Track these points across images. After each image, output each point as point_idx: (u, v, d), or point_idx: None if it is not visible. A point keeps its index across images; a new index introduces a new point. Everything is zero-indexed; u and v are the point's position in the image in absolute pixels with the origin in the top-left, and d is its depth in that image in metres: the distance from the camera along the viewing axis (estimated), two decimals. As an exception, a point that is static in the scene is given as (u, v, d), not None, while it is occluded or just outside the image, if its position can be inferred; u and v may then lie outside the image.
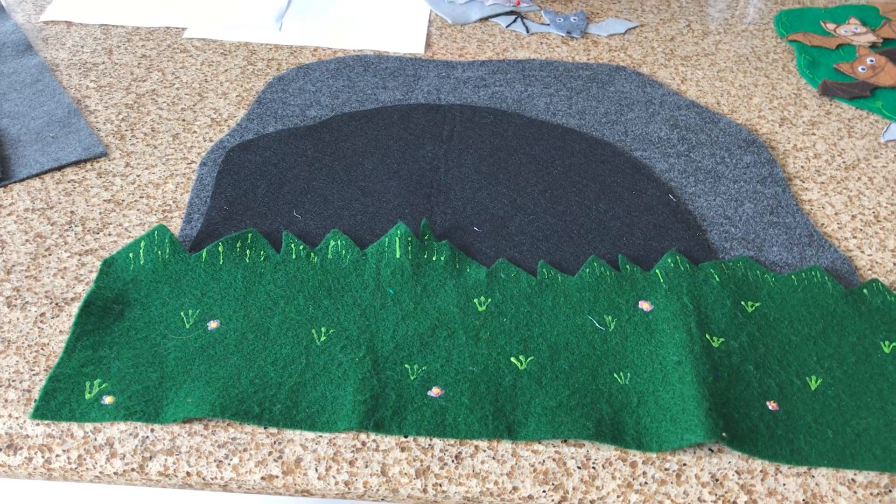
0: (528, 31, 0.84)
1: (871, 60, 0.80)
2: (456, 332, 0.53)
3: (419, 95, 0.74)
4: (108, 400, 0.48)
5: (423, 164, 0.66)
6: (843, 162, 0.69)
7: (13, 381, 0.49)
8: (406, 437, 0.47)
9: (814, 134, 0.72)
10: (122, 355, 0.51)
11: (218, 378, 0.49)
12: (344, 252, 0.58)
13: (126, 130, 0.69)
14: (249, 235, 0.58)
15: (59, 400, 0.48)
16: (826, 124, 0.73)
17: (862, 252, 0.61)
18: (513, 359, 0.51)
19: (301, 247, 0.58)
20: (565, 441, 0.48)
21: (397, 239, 0.58)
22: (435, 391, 0.49)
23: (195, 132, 0.69)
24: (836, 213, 0.64)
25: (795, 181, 0.67)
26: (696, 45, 0.83)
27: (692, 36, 0.85)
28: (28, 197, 0.62)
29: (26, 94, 0.72)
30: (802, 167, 0.68)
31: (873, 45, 0.83)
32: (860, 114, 0.75)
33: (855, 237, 0.62)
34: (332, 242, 0.58)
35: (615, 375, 0.51)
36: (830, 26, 0.86)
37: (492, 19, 0.86)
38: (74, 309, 0.54)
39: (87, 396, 0.48)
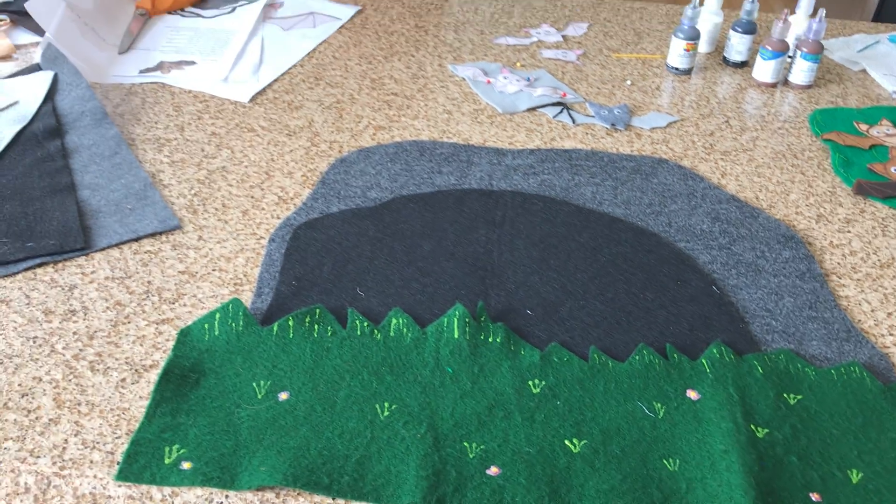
0: (574, 122, 0.88)
1: (903, 162, 0.83)
2: (512, 413, 0.56)
3: (472, 181, 0.79)
4: (185, 465, 0.51)
5: (478, 248, 0.70)
6: (879, 260, 0.72)
7: (97, 443, 0.52)
8: (466, 513, 0.50)
9: (849, 231, 0.75)
10: (198, 422, 0.54)
11: (289, 448, 0.52)
12: (405, 330, 0.61)
13: (198, 205, 0.73)
14: (317, 311, 0.62)
15: (140, 463, 0.51)
16: (861, 222, 0.77)
17: (898, 349, 0.63)
18: (567, 441, 0.54)
19: (365, 323, 0.61)
20: (618, 524, 0.50)
21: (455, 319, 0.61)
22: (493, 470, 0.52)
23: (263, 209, 0.73)
24: (872, 310, 0.67)
25: (832, 277, 0.70)
26: (735, 140, 0.87)
27: (730, 132, 0.89)
28: (108, 266, 0.66)
29: (105, 166, 0.76)
30: (839, 264, 0.72)
31: (905, 147, 0.87)
32: (893, 213, 0.78)
33: (891, 334, 0.65)
34: (395, 320, 0.62)
35: (665, 461, 0.53)
36: (863, 127, 0.90)
37: (539, 109, 0.90)
38: (153, 375, 0.57)
39: (167, 461, 0.51)
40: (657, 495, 0.51)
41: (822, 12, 0.96)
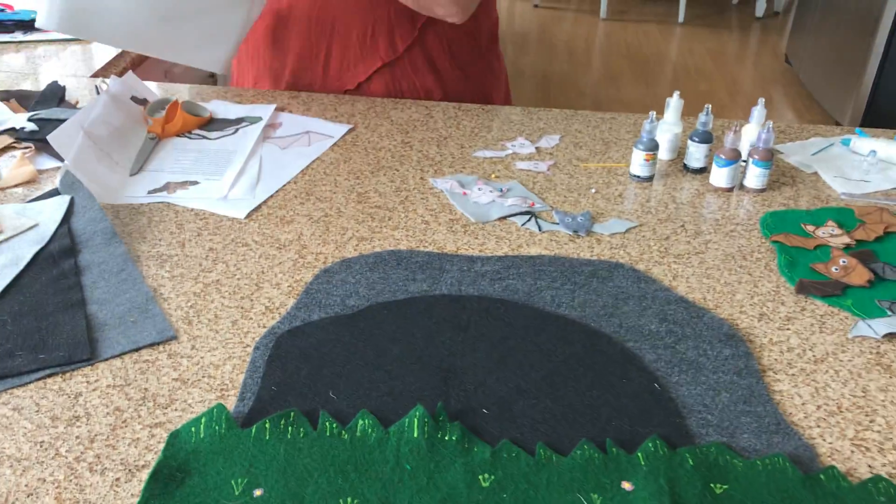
0: (540, 230, 0.97)
1: (844, 262, 0.90)
2: (462, 505, 0.62)
3: (443, 287, 0.86)
4: (168, 557, 0.58)
5: (443, 350, 0.77)
6: (814, 356, 0.78)
7: (91, 537, 0.59)
8: None
9: (789, 329, 0.82)
10: (181, 518, 0.61)
11: (260, 540, 0.59)
12: (370, 430, 0.68)
13: (193, 316, 0.81)
14: (292, 414, 0.69)
15: (128, 555, 0.58)
16: (801, 320, 0.83)
17: (823, 440, 0.69)
18: (510, 531, 0.60)
19: (334, 425, 0.68)
20: None
21: (416, 420, 0.68)
22: (442, 558, 0.58)
23: (251, 318, 0.81)
24: (803, 404, 0.73)
25: (769, 372, 0.76)
26: (688, 244, 0.95)
27: (685, 235, 0.97)
28: (110, 374, 0.74)
29: (112, 282, 0.85)
30: (776, 360, 0.78)
31: (847, 247, 0.94)
32: (832, 311, 0.85)
33: (818, 426, 0.71)
34: (361, 421, 0.69)
35: (598, 548, 0.59)
36: (810, 228, 0.98)
37: (509, 218, 0.99)
38: (144, 475, 0.64)
39: (152, 553, 0.58)
40: (588, 580, 0.57)
41: (769, 124, 1.04)
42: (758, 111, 1.10)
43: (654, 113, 1.07)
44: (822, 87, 3.61)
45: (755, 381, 0.75)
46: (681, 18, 4.80)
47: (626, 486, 0.64)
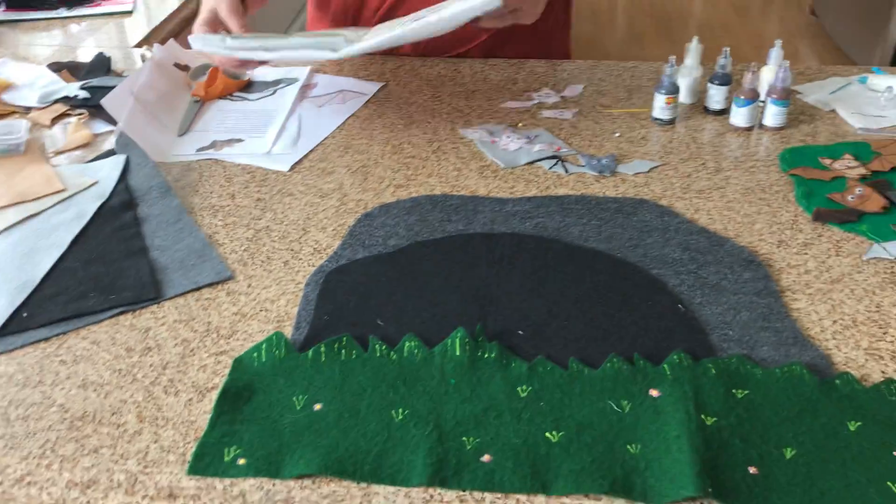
0: (566, 172, 1.02)
1: (860, 191, 0.94)
2: (503, 413, 0.68)
3: (477, 226, 0.92)
4: (241, 461, 0.65)
5: (479, 282, 0.83)
6: (830, 277, 0.83)
7: (172, 448, 0.66)
8: (464, 491, 0.62)
9: (806, 254, 0.87)
10: (250, 429, 0.67)
11: (322, 446, 0.65)
12: (416, 351, 0.74)
13: (248, 259, 0.88)
14: (344, 339, 0.75)
15: (205, 462, 0.65)
16: (818, 245, 0.88)
17: (839, 350, 0.74)
18: (547, 433, 0.66)
19: (384, 347, 0.75)
20: (587, 495, 0.62)
21: (457, 340, 0.74)
22: (486, 458, 0.64)
23: (301, 259, 0.88)
24: (819, 319, 0.78)
25: (787, 293, 0.81)
26: (709, 180, 1.00)
27: (706, 172, 1.01)
28: (175, 311, 0.81)
29: (170, 231, 0.92)
30: (794, 281, 0.83)
31: (863, 177, 0.98)
32: (848, 236, 0.89)
33: (834, 338, 0.75)
34: (407, 343, 0.75)
35: (628, 447, 0.65)
36: (827, 161, 1.01)
37: (537, 162, 1.04)
38: (213, 395, 0.71)
39: (226, 459, 0.65)
40: (620, 472, 0.63)
41: (786, 63, 1.08)
42: (775, 52, 1.14)
43: (675, 58, 1.11)
44: (848, 36, 3.59)
45: (774, 300, 0.80)
46: (704, -26, 4.76)
47: (654, 392, 0.70)
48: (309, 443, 0.66)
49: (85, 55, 1.39)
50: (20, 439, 0.68)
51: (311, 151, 1.09)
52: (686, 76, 1.15)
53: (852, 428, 0.66)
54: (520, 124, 1.13)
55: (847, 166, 1.00)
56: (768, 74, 1.13)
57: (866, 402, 0.68)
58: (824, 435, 0.66)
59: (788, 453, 0.64)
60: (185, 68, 1.26)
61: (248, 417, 0.69)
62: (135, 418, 0.69)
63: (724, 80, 1.12)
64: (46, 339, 0.78)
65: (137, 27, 1.55)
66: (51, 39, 1.49)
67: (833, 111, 1.15)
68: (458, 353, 0.74)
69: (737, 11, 4.37)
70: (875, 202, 0.93)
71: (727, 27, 4.18)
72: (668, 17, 4.35)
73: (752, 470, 0.63)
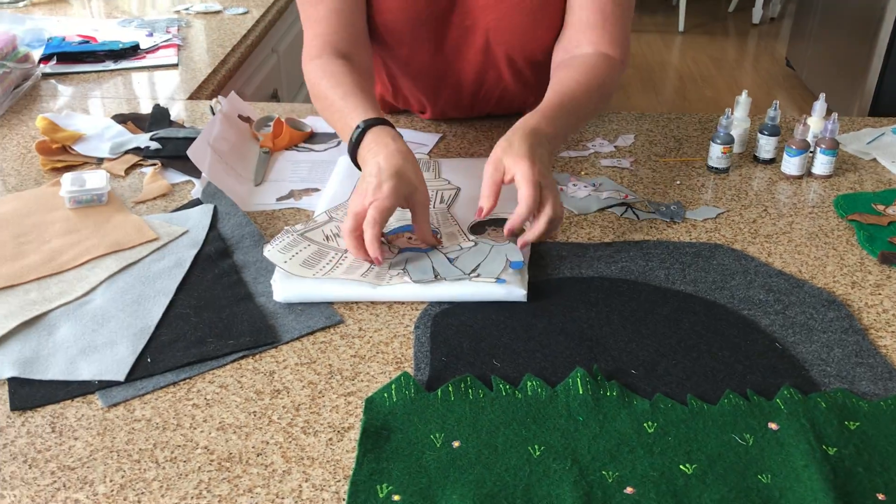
0: (638, 218, 1.07)
1: (917, 234, 1.01)
2: (635, 448, 0.72)
3: (565, 271, 0.96)
4: (396, 497, 0.67)
5: (581, 324, 0.87)
6: (907, 315, 0.89)
7: (324, 486, 0.69)
8: (614, 521, 0.65)
9: (880, 294, 0.92)
10: (397, 466, 0.70)
11: (469, 482, 0.68)
12: (540, 389, 0.78)
13: (353, 304, 0.91)
14: (468, 378, 0.79)
15: (361, 499, 0.67)
16: (889, 286, 0.94)
17: (932, 384, 0.79)
18: (681, 466, 0.70)
19: (507, 386, 0.78)
20: (731, 523, 0.65)
21: (578, 379, 0.78)
22: (629, 490, 0.68)
23: (403, 303, 0.91)
24: (907, 355, 0.83)
25: (871, 331, 0.87)
26: (774, 225, 1.05)
27: (769, 218, 1.07)
28: (294, 355, 0.84)
29: (270, 278, 0.95)
30: (875, 320, 0.88)
31: (917, 222, 1.05)
32: (914, 277, 0.95)
33: (924, 373, 0.81)
34: (529, 383, 0.78)
35: (759, 477, 0.69)
36: (880, 207, 1.08)
37: (608, 209, 1.09)
38: (351, 434, 0.74)
39: (381, 495, 0.68)
40: (757, 501, 0.67)
41: (835, 115, 1.15)
42: (819, 105, 1.21)
43: (730, 110, 1.17)
44: (825, 88, 3.75)
45: (861, 338, 0.85)
46: (681, 27, 4.94)
47: (773, 426, 0.74)
48: (456, 479, 0.69)
49: (136, 106, 1.42)
50: (174, 480, 0.70)
51: (386, 200, 1.13)
52: (737, 127, 1.22)
53: (962, 455, 0.71)
54: (582, 172, 1.19)
55: (900, 212, 1.07)
56: (814, 126, 1.20)
57: (968, 431, 0.73)
58: (938, 462, 0.70)
59: (910, 480, 0.69)
60: (247, 120, 1.30)
61: (392, 455, 0.71)
62: (281, 459, 0.71)
63: (774, 130, 1.19)
64: (175, 384, 0.80)
65: (182, 79, 1.59)
66: (102, 92, 1.52)
67: (874, 160, 1.22)
68: (580, 391, 0.77)
69: (714, 63, 4.53)
70: (934, 245, 0.99)
71: (707, 78, 4.33)
72: (649, 67, 4.50)
73: (880, 497, 0.67)
